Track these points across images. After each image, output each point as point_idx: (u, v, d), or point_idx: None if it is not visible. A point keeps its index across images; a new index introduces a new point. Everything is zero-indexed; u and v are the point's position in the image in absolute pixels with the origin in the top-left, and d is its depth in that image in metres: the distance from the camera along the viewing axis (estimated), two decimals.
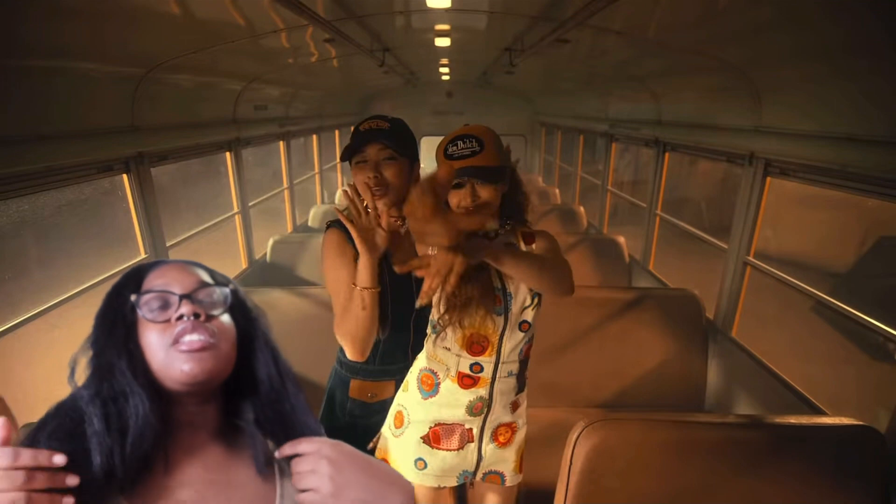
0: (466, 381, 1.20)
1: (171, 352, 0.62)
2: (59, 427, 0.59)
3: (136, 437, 0.59)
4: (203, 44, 1.97)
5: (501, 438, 1.26)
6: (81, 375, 0.64)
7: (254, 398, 0.68)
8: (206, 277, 0.69)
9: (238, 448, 0.67)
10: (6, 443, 0.53)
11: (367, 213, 1.17)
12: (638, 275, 3.40)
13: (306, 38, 2.50)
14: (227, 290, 0.68)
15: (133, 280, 0.68)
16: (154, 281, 0.67)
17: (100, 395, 0.60)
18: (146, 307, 0.64)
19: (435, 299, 1.14)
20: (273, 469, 0.67)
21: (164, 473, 0.62)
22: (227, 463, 0.65)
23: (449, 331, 1.17)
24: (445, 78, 5.94)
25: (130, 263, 2.17)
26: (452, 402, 1.22)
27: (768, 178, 2.07)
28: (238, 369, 0.68)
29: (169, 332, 0.62)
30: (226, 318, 0.67)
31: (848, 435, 1.24)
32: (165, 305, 0.64)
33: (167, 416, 0.64)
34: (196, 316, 0.63)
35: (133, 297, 0.64)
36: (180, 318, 0.63)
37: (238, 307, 0.70)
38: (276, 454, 0.65)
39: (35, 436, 0.59)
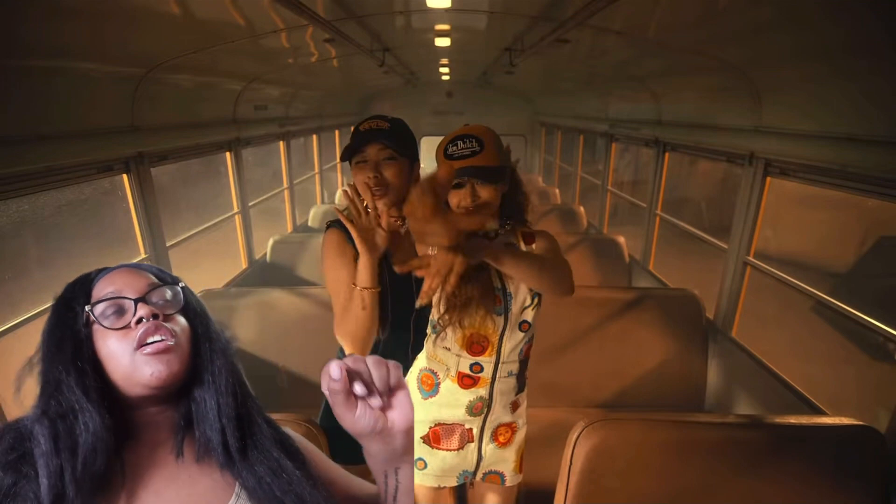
0: (466, 381, 1.20)
1: (137, 356, 0.61)
2: (5, 449, 0.57)
3: (87, 455, 0.57)
4: (203, 44, 1.97)
5: (501, 438, 1.26)
6: (27, 395, 0.62)
7: (192, 392, 0.67)
8: (154, 279, 0.69)
9: (194, 443, 0.67)
10: None
11: (367, 213, 1.17)
12: (638, 275, 3.40)
13: (306, 38, 2.50)
14: (178, 289, 0.69)
15: (81, 291, 0.67)
16: (104, 289, 0.66)
17: (47, 413, 0.59)
18: (102, 316, 0.63)
19: (435, 299, 1.14)
20: (211, 459, 0.66)
21: (122, 476, 0.61)
22: (186, 458, 0.66)
23: (449, 331, 1.17)
24: (445, 78, 5.94)
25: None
26: (452, 402, 1.22)
27: (768, 178, 2.07)
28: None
29: (130, 337, 0.62)
30: (181, 317, 0.68)
31: (848, 435, 1.24)
32: (121, 311, 0.64)
33: (126, 420, 0.64)
34: (155, 317, 0.64)
35: (87, 308, 0.64)
36: (140, 321, 0.63)
37: (192, 304, 0.71)
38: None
39: None
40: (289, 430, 0.76)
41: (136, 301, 0.64)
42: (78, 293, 0.66)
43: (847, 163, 1.57)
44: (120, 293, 0.65)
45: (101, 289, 0.66)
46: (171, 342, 0.63)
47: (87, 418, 0.58)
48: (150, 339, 0.62)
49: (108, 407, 0.61)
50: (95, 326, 0.64)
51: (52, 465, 0.55)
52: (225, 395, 0.66)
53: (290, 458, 0.69)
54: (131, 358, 0.62)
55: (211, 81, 2.63)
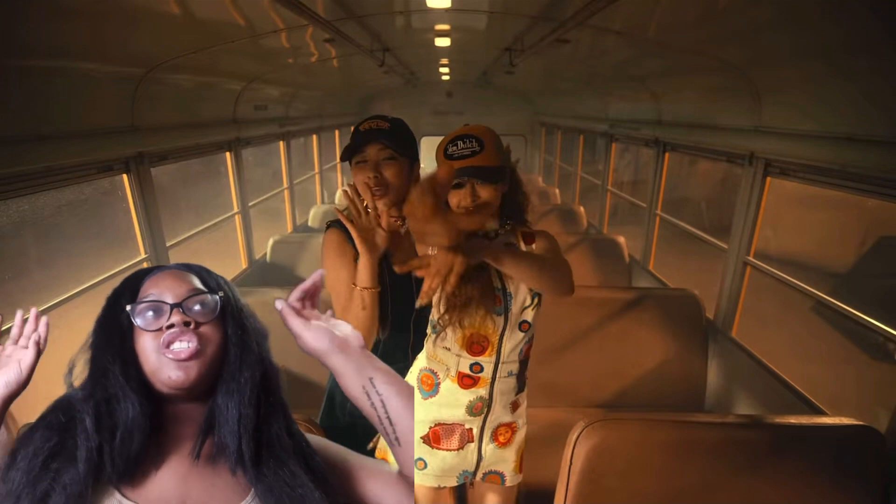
0: (466, 381, 1.20)
1: (162, 357, 0.66)
2: (53, 421, 0.64)
3: (124, 437, 0.63)
4: (203, 44, 1.97)
5: (501, 438, 1.26)
6: (78, 376, 0.68)
7: (217, 397, 0.70)
8: (198, 284, 0.73)
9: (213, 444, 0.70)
10: None
11: (367, 213, 1.17)
12: (638, 275, 3.40)
13: (306, 38, 2.50)
14: (216, 298, 0.72)
15: (130, 288, 0.72)
16: (149, 289, 0.71)
17: (93, 396, 0.65)
18: (140, 316, 0.68)
19: (435, 299, 1.14)
20: (222, 462, 0.69)
21: (154, 464, 0.66)
22: (211, 453, 0.69)
23: (449, 331, 1.17)
24: (445, 78, 5.94)
25: (130, 263, 2.17)
26: (452, 402, 1.22)
27: (768, 178, 2.07)
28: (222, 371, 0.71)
29: (161, 338, 0.67)
30: (214, 325, 0.71)
31: (848, 435, 1.24)
32: (158, 314, 0.68)
33: (159, 411, 0.68)
34: (186, 324, 0.68)
35: (128, 307, 0.69)
36: (171, 326, 0.67)
37: (230, 312, 0.73)
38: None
39: (32, 430, 0.64)
40: (314, 439, 0.78)
41: (172, 307, 0.68)
42: (126, 290, 0.72)
43: (847, 163, 1.57)
44: (160, 297, 0.70)
45: (146, 289, 0.71)
46: (194, 349, 0.67)
47: (127, 404, 0.65)
48: (174, 345, 0.66)
49: (146, 395, 0.66)
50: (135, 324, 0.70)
51: (91, 442, 0.62)
52: (246, 406, 0.69)
53: (309, 472, 0.70)
54: (157, 357, 0.66)
55: (211, 81, 2.63)
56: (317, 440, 0.79)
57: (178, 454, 0.68)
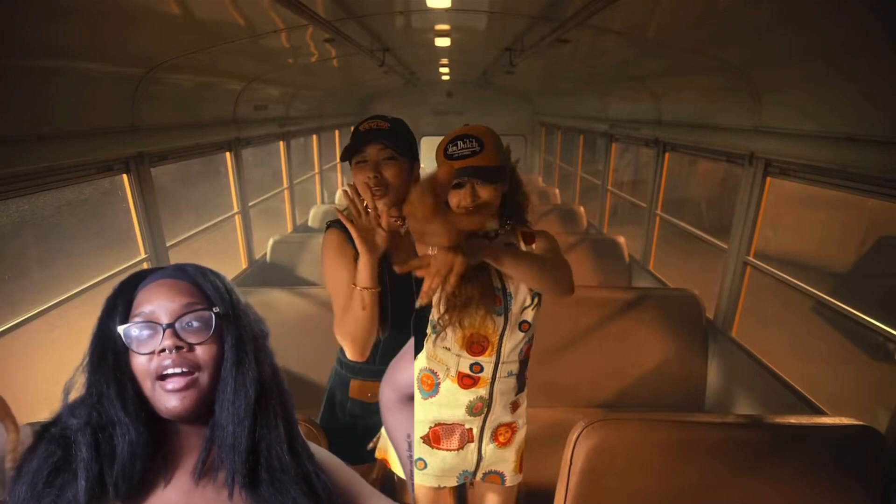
0: (466, 381, 1.20)
1: (157, 387, 0.64)
2: (56, 435, 0.62)
3: (125, 464, 0.62)
4: (203, 44, 1.97)
5: (501, 438, 1.26)
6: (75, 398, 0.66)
7: (216, 415, 0.67)
8: (194, 295, 0.69)
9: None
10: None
11: (367, 213, 1.17)
12: (638, 275, 3.40)
13: (306, 38, 2.50)
14: (210, 315, 0.68)
15: (124, 298, 0.69)
16: (141, 305, 0.67)
17: (90, 423, 0.62)
18: (132, 337, 0.65)
19: (435, 299, 1.14)
20: (214, 479, 0.67)
21: (159, 478, 0.65)
22: (213, 472, 0.67)
23: (449, 331, 1.17)
24: (445, 78, 5.94)
25: (130, 263, 2.17)
26: (452, 402, 1.22)
27: (768, 178, 2.07)
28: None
29: (154, 362, 0.64)
30: (210, 343, 0.67)
31: (848, 435, 1.24)
32: (150, 334, 0.66)
33: (161, 426, 0.66)
34: (178, 348, 0.65)
35: (120, 329, 0.66)
36: (163, 350, 0.64)
37: (226, 328, 0.69)
38: None
39: (36, 444, 0.63)
40: (323, 455, 0.75)
41: (165, 328, 0.65)
42: (119, 301, 0.68)
43: (847, 163, 1.57)
44: (152, 315, 0.66)
45: (140, 302, 0.68)
46: (191, 377, 0.64)
47: (124, 430, 0.63)
48: (168, 371, 0.64)
49: (144, 418, 0.64)
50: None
51: (91, 470, 0.60)
52: (241, 426, 0.66)
53: (312, 497, 0.68)
54: (152, 384, 0.64)
55: (211, 81, 2.63)
56: (326, 457, 0.77)
57: (182, 469, 0.67)
